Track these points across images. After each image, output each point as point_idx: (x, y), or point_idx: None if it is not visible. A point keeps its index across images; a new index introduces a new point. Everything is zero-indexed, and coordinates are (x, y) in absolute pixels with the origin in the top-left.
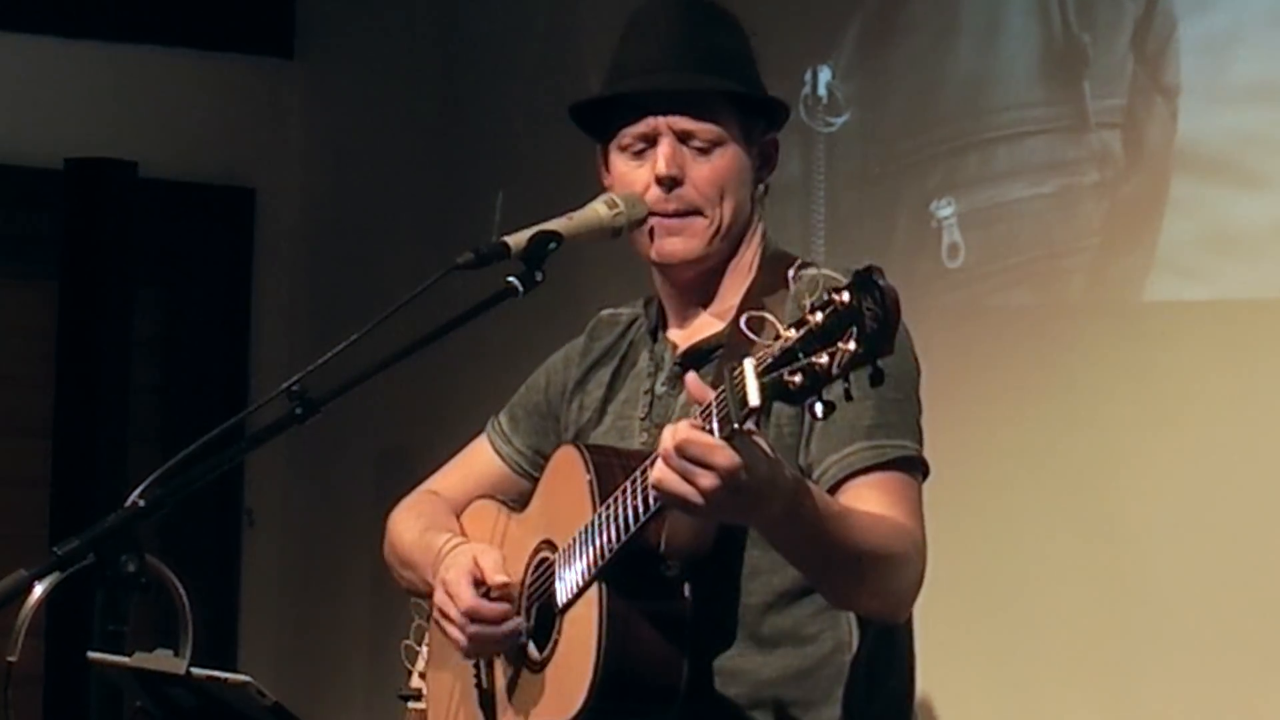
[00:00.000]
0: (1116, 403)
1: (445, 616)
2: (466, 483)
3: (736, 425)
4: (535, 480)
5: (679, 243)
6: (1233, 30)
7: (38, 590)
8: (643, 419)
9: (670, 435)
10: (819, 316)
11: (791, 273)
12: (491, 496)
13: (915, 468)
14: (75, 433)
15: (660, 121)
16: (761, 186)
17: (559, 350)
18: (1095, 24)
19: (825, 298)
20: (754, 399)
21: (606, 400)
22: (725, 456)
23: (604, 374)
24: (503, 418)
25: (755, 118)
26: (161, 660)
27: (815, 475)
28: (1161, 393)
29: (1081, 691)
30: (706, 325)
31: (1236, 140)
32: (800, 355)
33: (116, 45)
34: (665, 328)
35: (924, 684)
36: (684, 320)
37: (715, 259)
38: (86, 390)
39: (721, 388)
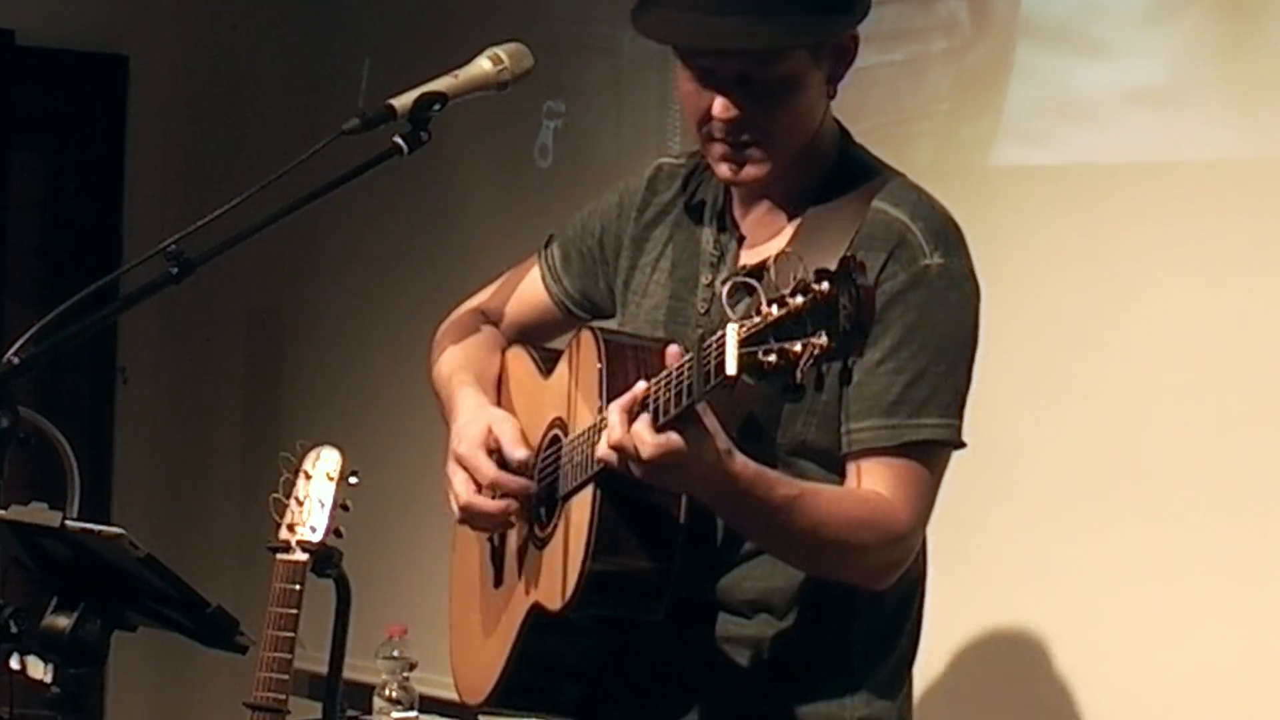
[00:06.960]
0: None
1: (450, 486)
2: (514, 307)
3: (694, 398)
4: (577, 321)
5: (749, 169)
6: None
7: None
8: (703, 314)
9: (607, 436)
10: (799, 300)
11: (869, 198)
12: (525, 347)
13: (931, 452)
14: None
15: (718, 66)
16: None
17: (612, 191)
18: None
19: (807, 281)
20: (731, 368)
21: (661, 270)
22: (655, 450)
23: (661, 233)
24: (556, 253)
25: (829, 26)
26: (36, 513)
27: (840, 435)
28: (1006, 256)
29: None
30: (770, 222)
31: (1079, 9)
32: (773, 338)
33: None
34: (730, 202)
35: None
36: (749, 197)
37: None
38: None
39: (688, 357)
